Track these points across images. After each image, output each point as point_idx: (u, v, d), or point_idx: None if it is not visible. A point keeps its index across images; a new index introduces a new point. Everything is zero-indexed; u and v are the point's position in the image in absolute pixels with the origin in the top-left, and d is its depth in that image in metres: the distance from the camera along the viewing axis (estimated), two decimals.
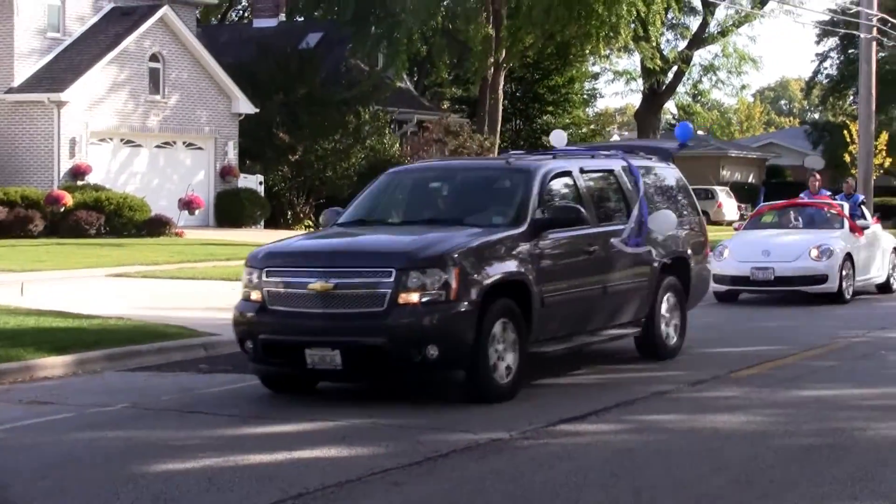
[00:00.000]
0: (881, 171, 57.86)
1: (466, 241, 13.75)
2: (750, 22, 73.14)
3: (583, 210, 15.17)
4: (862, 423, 12.55)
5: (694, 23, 72.70)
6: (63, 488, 10.03)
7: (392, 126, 57.23)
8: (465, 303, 13.21)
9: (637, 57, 67.92)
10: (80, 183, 43.67)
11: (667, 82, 72.91)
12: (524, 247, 14.30)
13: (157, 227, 42.60)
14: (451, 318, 13.13)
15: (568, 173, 15.85)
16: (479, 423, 12.44)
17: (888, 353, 18.03)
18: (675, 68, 71.59)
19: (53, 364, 16.16)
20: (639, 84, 76.21)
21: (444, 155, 53.16)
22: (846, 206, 27.62)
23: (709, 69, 78.42)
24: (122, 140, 47.26)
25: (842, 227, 26.43)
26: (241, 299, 14.10)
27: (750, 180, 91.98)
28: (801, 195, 29.25)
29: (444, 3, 54.26)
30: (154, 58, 47.70)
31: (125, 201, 42.29)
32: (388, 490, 9.88)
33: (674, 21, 70.75)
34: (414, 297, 13.08)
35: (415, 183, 16.53)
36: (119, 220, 41.81)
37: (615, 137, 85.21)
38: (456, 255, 13.35)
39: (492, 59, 54.86)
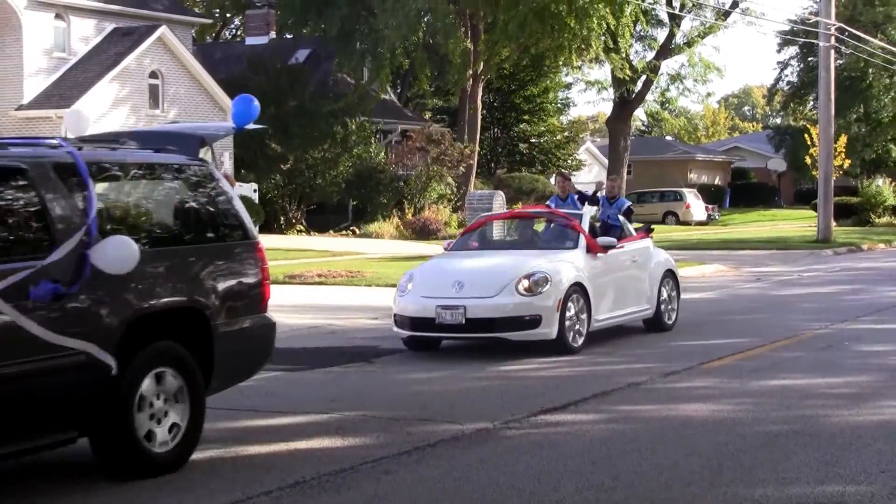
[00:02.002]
0: (840, 172, 57.92)
1: None
2: (714, 33, 73.17)
3: None
4: (827, 411, 12.56)
5: (661, 34, 72.73)
6: (74, 479, 10.02)
7: (377, 136, 57.23)
8: None
9: (608, 67, 67.82)
10: None
11: (636, 91, 72.88)
12: None
13: None
14: None
15: None
16: (464, 414, 12.44)
17: (851, 343, 18.05)
18: (643, 77, 71.56)
19: None
20: (610, 93, 76.14)
21: (427, 162, 53.17)
22: (585, 216, 19.22)
23: (676, 78, 78.42)
24: None
25: (576, 245, 18.28)
26: None
27: (716, 182, 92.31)
28: (549, 202, 21.64)
29: (425, 19, 54.16)
30: (153, 75, 47.68)
31: None
32: (380, 478, 9.87)
33: (642, 33, 70.80)
34: None
35: None
36: None
37: (588, 144, 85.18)
38: None
39: (470, 72, 54.84)
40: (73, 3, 46.26)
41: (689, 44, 72.40)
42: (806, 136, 57.84)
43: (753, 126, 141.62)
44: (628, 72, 63.95)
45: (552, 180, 70.86)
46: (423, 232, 49.07)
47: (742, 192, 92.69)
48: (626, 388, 14.04)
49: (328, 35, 55.21)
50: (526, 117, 72.47)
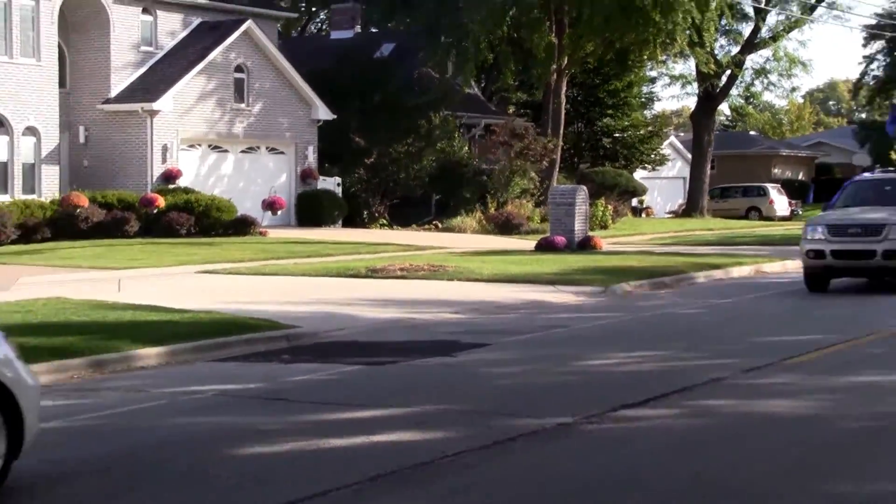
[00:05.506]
0: None
1: None
2: (800, 27, 72.57)
3: None
4: None
5: (746, 29, 72.21)
6: (158, 470, 10.10)
7: (461, 130, 57.24)
8: None
9: (692, 62, 67.49)
10: (171, 186, 43.99)
11: (721, 85, 72.43)
12: None
13: (242, 226, 42.81)
14: None
15: None
16: (545, 408, 12.40)
17: None
18: (728, 72, 71.14)
19: (148, 355, 16.32)
20: (694, 87, 75.75)
21: (510, 157, 53.10)
22: None
23: (760, 72, 77.74)
24: (209, 146, 47.58)
25: None
26: None
27: (800, 178, 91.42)
28: None
29: (510, 13, 54.01)
30: (239, 69, 47.99)
31: (213, 203, 42.55)
32: (461, 472, 9.86)
33: (727, 27, 70.23)
34: None
35: None
36: (207, 221, 42.05)
37: (672, 139, 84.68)
38: None
39: (555, 66, 54.67)
40: None
41: (774, 38, 71.83)
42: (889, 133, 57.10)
43: (839, 121, 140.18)
44: (713, 66, 63.54)
45: (636, 174, 70.62)
46: (505, 226, 49.04)
47: (826, 187, 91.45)
48: (708, 384, 13.92)
49: (414, 29, 55.29)
50: (610, 111, 72.11)
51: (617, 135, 72.56)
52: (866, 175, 29.64)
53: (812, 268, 25.72)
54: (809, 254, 25.55)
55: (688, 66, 75.35)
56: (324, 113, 50.74)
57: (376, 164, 52.26)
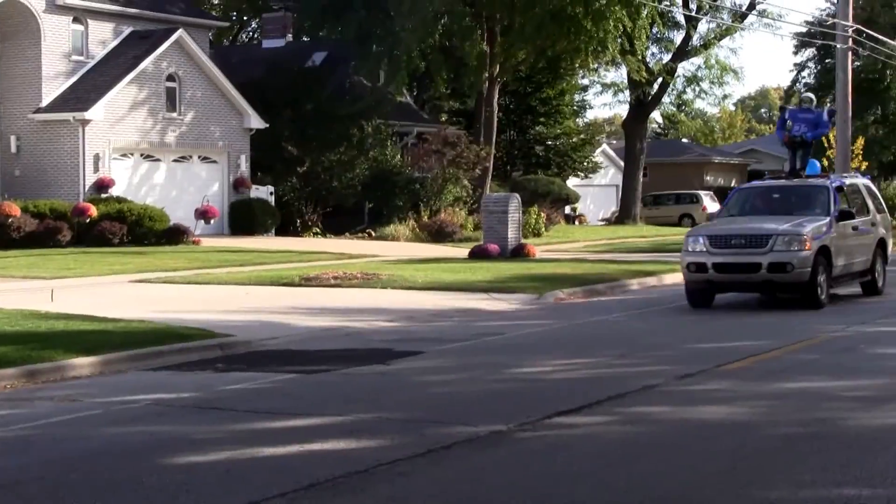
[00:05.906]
0: None
1: None
2: (731, 35, 73.17)
3: None
4: (844, 414, 12.50)
5: (677, 37, 72.71)
6: (92, 480, 10.02)
7: (393, 138, 57.21)
8: None
9: (624, 70, 67.90)
10: (103, 195, 43.72)
11: (652, 93, 72.84)
12: None
13: (175, 235, 42.62)
14: None
15: None
16: (478, 416, 12.41)
17: (867, 346, 17.98)
18: (660, 80, 71.54)
19: (82, 364, 16.23)
20: (626, 95, 76.25)
21: (443, 165, 53.15)
22: None
23: (692, 80, 78.43)
24: (142, 155, 47.29)
25: None
26: None
27: (733, 184, 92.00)
28: None
29: (442, 21, 54.09)
30: (170, 78, 47.75)
31: (146, 212, 42.35)
32: (395, 480, 9.85)
33: (658, 35, 70.64)
34: None
35: None
36: (140, 230, 41.85)
37: (604, 146, 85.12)
38: None
39: (487, 74, 54.81)
40: (92, 6, 46.37)
41: (705, 46, 72.36)
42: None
43: (770, 128, 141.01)
44: (644, 74, 63.86)
45: (569, 182, 70.87)
46: (439, 234, 49.07)
47: None
48: (641, 391, 13.98)
49: (345, 38, 55.21)
50: (542, 119, 72.37)
51: (549, 143, 72.84)
52: (754, 182, 28.81)
53: (693, 282, 24.14)
54: (690, 267, 23.83)
55: (619, 74, 75.94)
56: (256, 122, 50.58)
57: (309, 173, 52.17)
